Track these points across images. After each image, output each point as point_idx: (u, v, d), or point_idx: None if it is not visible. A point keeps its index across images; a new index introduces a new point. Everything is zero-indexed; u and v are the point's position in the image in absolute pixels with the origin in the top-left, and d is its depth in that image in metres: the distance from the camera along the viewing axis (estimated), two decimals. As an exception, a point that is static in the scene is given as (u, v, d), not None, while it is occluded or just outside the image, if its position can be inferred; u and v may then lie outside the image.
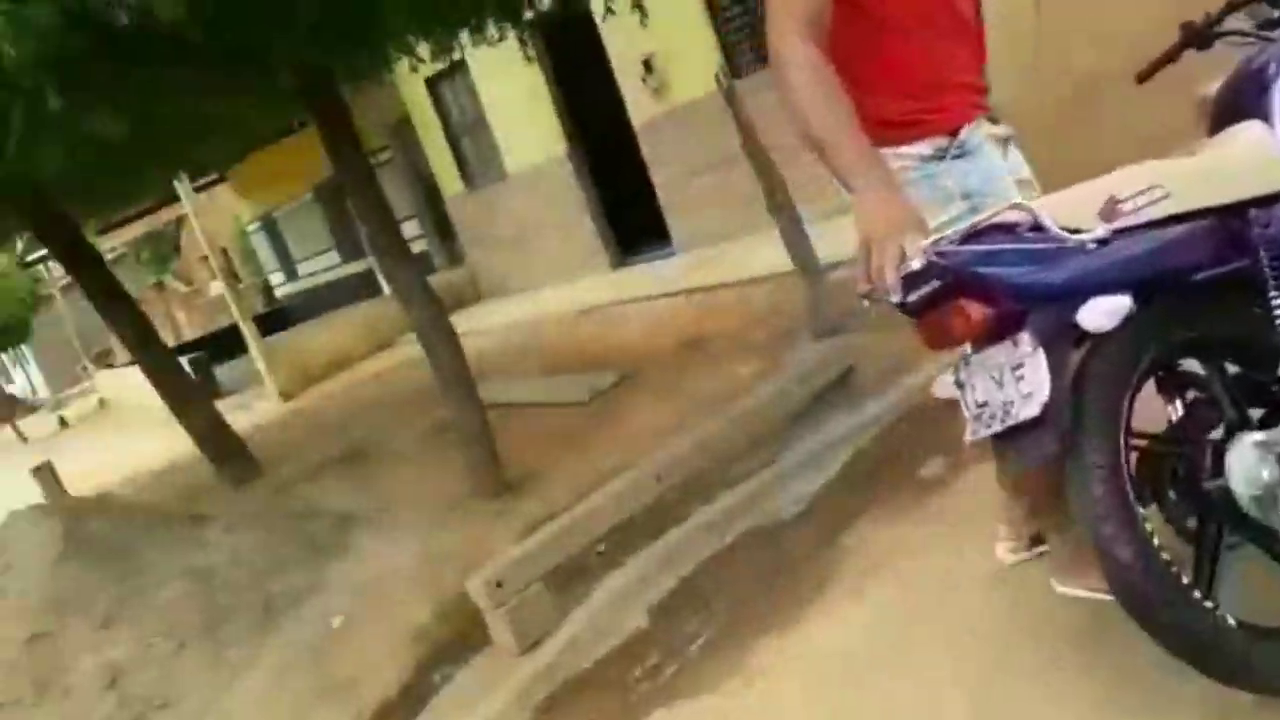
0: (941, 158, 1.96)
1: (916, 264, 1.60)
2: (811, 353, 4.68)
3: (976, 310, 1.67)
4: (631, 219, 9.96)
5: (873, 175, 1.70)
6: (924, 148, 1.96)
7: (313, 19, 3.76)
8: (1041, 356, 1.66)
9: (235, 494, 6.63)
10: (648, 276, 8.99)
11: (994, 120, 2.06)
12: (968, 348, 1.81)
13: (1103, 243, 1.68)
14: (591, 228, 10.34)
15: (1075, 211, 1.71)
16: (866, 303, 1.76)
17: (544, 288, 10.79)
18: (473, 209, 12.13)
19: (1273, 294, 1.79)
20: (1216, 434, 1.81)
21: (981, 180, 1.96)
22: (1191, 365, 1.88)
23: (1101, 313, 1.64)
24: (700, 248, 8.78)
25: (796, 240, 5.21)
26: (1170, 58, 2.22)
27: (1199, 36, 2.13)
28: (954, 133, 1.96)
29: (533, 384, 6.82)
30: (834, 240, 5.31)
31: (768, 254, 5.92)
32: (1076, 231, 1.67)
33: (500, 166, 11.35)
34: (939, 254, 1.62)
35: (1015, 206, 1.69)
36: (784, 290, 5.84)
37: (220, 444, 7.01)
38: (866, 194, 1.68)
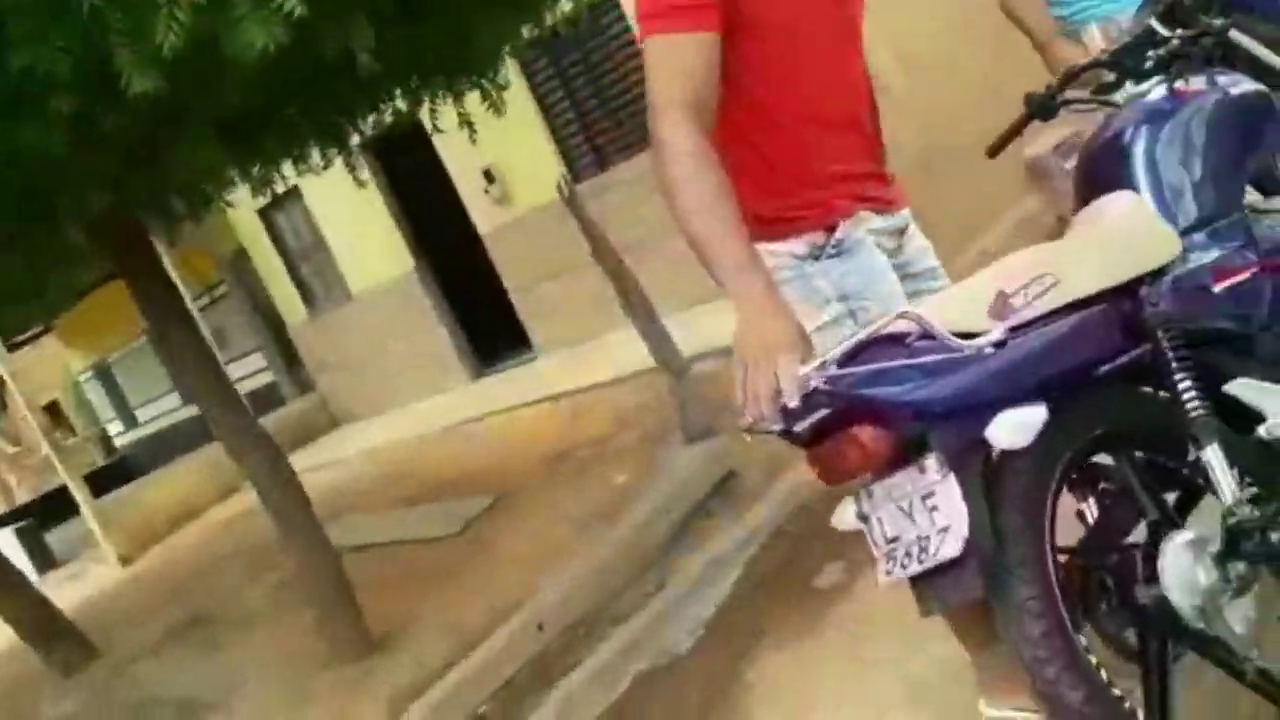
0: (817, 257, 1.78)
1: (793, 401, 1.40)
2: (688, 458, 4.43)
3: (871, 437, 1.47)
4: (489, 327, 9.69)
5: (750, 282, 1.52)
6: (798, 245, 1.78)
7: (103, 171, 3.38)
8: (953, 482, 1.45)
9: (66, 683, 5.89)
10: (510, 385, 8.69)
11: (885, 211, 1.88)
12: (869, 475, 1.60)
13: (999, 345, 1.50)
14: (447, 340, 10.02)
15: (965, 312, 1.53)
16: (749, 437, 1.54)
17: (402, 407, 10.32)
18: (318, 334, 11.64)
19: (1177, 375, 1.66)
20: (1139, 533, 1.65)
21: (860, 281, 1.78)
22: (1101, 458, 1.72)
23: (1013, 428, 1.45)
24: (562, 349, 8.56)
25: (656, 339, 5.04)
26: (1018, 130, 2.17)
27: (1042, 108, 2.05)
28: (831, 229, 1.78)
29: (397, 519, 6.37)
30: (698, 331, 5.18)
31: (631, 351, 5.74)
32: (971, 335, 1.49)
33: (344, 288, 10.97)
34: (824, 379, 1.41)
35: (902, 315, 1.50)
36: (651, 389, 5.66)
37: (45, 627, 6.22)
38: (742, 304, 1.51)
